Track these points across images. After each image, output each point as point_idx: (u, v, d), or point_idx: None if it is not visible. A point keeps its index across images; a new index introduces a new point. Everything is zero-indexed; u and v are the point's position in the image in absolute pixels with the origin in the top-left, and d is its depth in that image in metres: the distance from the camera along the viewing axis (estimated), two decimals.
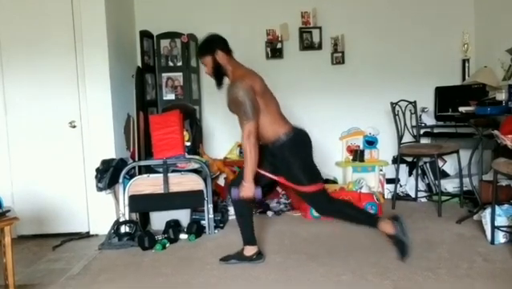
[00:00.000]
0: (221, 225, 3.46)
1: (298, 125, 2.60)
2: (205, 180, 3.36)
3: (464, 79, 4.29)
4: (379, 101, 4.33)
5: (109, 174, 3.24)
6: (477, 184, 3.73)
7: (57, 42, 3.39)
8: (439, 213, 3.52)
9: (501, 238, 2.79)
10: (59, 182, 3.43)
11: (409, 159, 4.30)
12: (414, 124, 4.10)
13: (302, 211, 3.73)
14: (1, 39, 3.38)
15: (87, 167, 3.42)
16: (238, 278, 2.45)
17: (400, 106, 3.96)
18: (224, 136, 4.46)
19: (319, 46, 4.43)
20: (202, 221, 3.35)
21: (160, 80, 4.08)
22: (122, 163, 3.38)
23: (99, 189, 3.24)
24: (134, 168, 3.47)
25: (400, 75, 4.43)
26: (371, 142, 4.32)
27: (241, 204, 2.60)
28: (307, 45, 4.43)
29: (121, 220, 3.25)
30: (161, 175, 3.32)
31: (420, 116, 4.22)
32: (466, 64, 4.31)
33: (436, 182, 3.88)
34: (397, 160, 4.04)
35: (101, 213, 3.41)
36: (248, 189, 2.43)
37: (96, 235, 3.42)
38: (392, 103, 3.92)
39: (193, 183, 3.35)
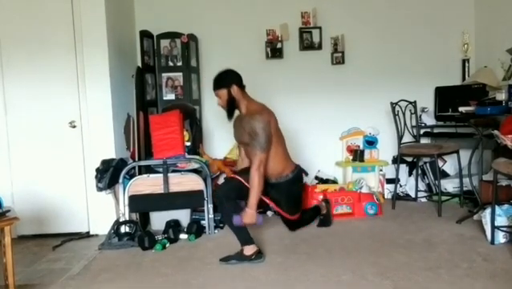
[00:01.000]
0: (221, 225, 3.46)
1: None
2: (205, 180, 3.36)
3: (464, 79, 4.29)
4: (379, 101, 4.33)
5: (109, 174, 3.24)
6: (477, 184, 3.73)
7: (57, 42, 3.39)
8: (439, 213, 3.52)
9: (501, 238, 2.79)
10: (59, 182, 3.44)
11: (409, 159, 4.30)
12: (414, 124, 4.10)
13: None
14: (1, 39, 3.38)
15: (87, 167, 3.42)
16: (238, 278, 2.45)
17: (400, 106, 3.96)
18: (224, 136, 4.44)
19: (319, 46, 4.43)
20: (202, 221, 3.35)
21: (160, 80, 4.08)
22: (122, 163, 3.39)
23: (99, 189, 3.25)
24: (134, 168, 3.46)
25: (400, 75, 4.43)
26: (371, 142, 4.32)
27: (229, 207, 2.67)
28: (307, 45, 4.43)
29: (121, 220, 3.25)
30: (161, 175, 3.32)
31: (420, 116, 4.22)
32: (466, 64, 4.31)
33: (436, 182, 3.88)
34: (397, 160, 4.04)
35: (101, 213, 3.41)
36: (251, 216, 2.59)
37: (96, 235, 3.42)
38: (392, 103, 3.92)
39: (193, 183, 3.35)
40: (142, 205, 3.35)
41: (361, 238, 3.04)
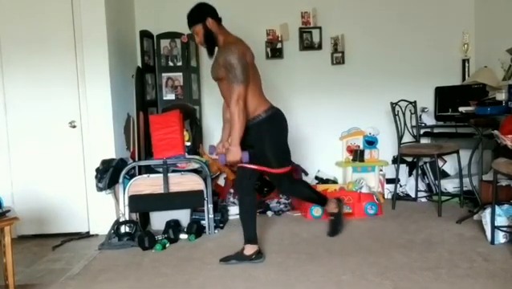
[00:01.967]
0: (221, 225, 3.46)
1: (275, 105, 2.65)
2: (205, 180, 3.36)
3: (464, 79, 4.29)
4: (379, 101, 4.33)
5: (109, 174, 3.24)
6: (477, 184, 3.74)
7: (57, 42, 3.39)
8: (439, 213, 3.52)
9: (501, 238, 2.79)
10: (59, 182, 3.43)
11: (409, 159, 4.31)
12: (414, 124, 4.10)
13: (302, 211, 3.73)
14: (1, 39, 3.38)
15: (87, 167, 3.42)
16: (238, 278, 2.44)
17: (400, 106, 3.96)
18: None
19: (319, 46, 4.43)
20: (202, 221, 3.35)
21: (160, 80, 4.08)
22: (122, 163, 3.39)
23: (99, 189, 3.25)
24: (134, 168, 3.46)
25: (400, 75, 4.43)
26: (371, 142, 4.32)
27: (248, 201, 2.64)
28: (307, 45, 4.43)
29: (121, 220, 3.25)
30: (161, 175, 3.32)
31: (420, 115, 4.22)
32: (466, 64, 4.31)
33: (436, 182, 3.88)
34: (397, 160, 4.04)
35: (101, 213, 3.41)
36: (235, 153, 2.43)
37: (96, 235, 3.42)
38: (392, 103, 3.92)
39: (193, 183, 3.35)
40: (142, 205, 3.35)
41: (361, 238, 3.03)
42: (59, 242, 3.24)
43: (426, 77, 4.38)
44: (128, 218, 3.27)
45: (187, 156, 3.44)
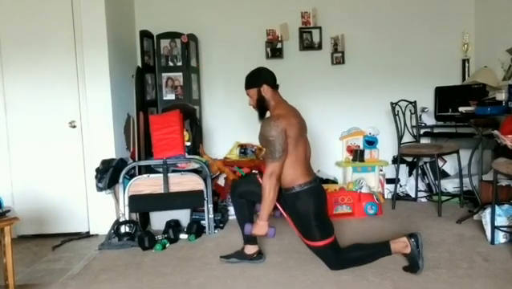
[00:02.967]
0: (221, 225, 3.46)
1: (317, 177, 2.58)
2: (205, 180, 3.36)
3: (464, 79, 4.29)
4: (379, 101, 4.33)
5: (109, 174, 3.23)
6: (477, 184, 3.74)
7: (57, 42, 3.39)
8: (439, 213, 3.53)
9: (501, 238, 2.79)
10: (59, 182, 3.43)
11: (409, 159, 4.31)
12: (414, 124, 4.10)
13: None
14: (1, 39, 3.38)
15: (87, 167, 3.42)
16: (238, 278, 2.45)
17: (400, 106, 3.96)
18: (224, 136, 4.46)
19: (319, 46, 4.43)
20: (202, 221, 3.35)
21: (160, 80, 4.08)
22: (122, 163, 3.39)
23: (99, 189, 3.24)
24: (134, 168, 3.46)
25: (400, 75, 4.43)
26: (371, 142, 4.32)
27: (239, 203, 2.65)
28: (307, 45, 4.43)
29: (121, 220, 3.25)
30: (161, 175, 3.32)
31: (420, 116, 4.22)
32: (466, 64, 4.31)
33: (436, 182, 3.88)
34: (397, 160, 4.04)
35: (101, 213, 3.41)
36: (261, 228, 2.45)
37: (96, 235, 3.42)
38: (392, 103, 3.92)
39: (193, 183, 3.35)
40: (142, 205, 3.35)
41: (361, 238, 3.03)
42: (59, 242, 3.24)
43: (426, 77, 4.38)
44: (127, 218, 3.26)
45: (187, 156, 3.44)
